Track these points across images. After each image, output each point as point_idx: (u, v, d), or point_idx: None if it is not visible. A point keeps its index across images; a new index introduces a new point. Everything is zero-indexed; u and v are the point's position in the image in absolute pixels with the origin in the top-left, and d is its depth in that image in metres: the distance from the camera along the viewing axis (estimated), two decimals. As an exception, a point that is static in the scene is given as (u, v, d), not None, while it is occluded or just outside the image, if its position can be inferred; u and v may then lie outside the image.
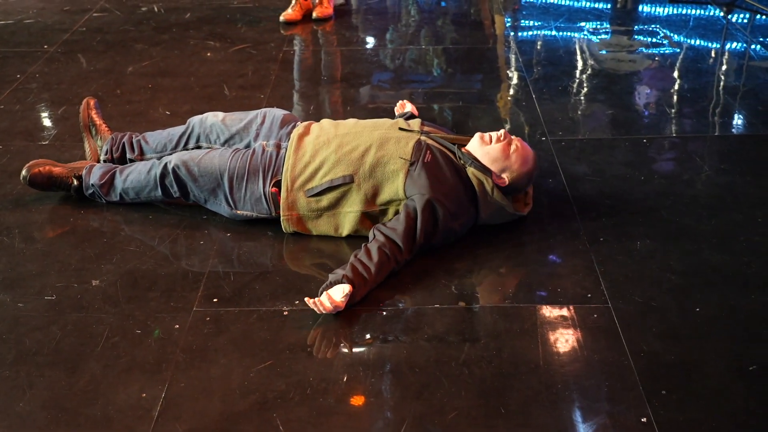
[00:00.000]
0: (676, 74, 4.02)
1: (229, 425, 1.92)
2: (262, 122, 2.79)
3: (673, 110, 3.60)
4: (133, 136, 2.97)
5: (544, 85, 3.83)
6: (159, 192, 2.71)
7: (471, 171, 2.55)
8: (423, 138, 2.58)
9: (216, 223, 2.71)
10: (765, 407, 1.96)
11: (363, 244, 2.42)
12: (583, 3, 5.10)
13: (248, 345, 2.17)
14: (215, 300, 2.35)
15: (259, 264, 2.53)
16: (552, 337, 2.19)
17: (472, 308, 2.31)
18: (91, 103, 3.03)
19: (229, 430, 1.91)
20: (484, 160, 2.59)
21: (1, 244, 2.63)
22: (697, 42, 4.44)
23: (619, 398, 1.98)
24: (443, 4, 5.28)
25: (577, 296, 2.35)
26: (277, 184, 2.59)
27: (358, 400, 2.00)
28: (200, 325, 2.25)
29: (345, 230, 2.58)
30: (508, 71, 4.11)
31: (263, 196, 2.60)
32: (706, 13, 4.88)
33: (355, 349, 2.16)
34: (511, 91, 3.86)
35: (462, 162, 2.57)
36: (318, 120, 2.79)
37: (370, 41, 4.59)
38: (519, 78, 3.99)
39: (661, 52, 4.30)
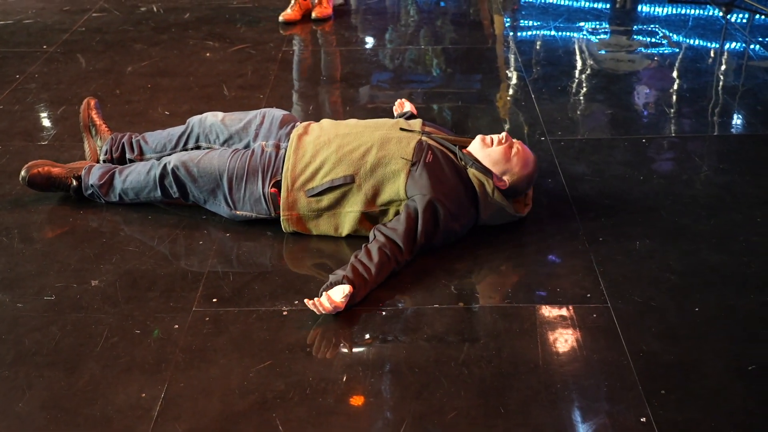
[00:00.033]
0: (675, 74, 4.02)
1: (228, 425, 1.92)
2: (261, 122, 2.79)
3: (672, 110, 3.60)
4: (133, 136, 2.97)
5: (544, 85, 3.83)
6: (158, 192, 2.71)
7: (472, 172, 2.55)
8: (424, 138, 2.59)
9: (215, 223, 2.71)
10: (764, 407, 1.96)
11: (363, 245, 2.42)
12: (582, 3, 5.10)
13: (248, 345, 2.17)
14: (214, 300, 2.36)
15: (258, 264, 2.53)
16: (551, 337, 2.19)
17: (471, 308, 2.31)
18: (92, 103, 3.04)
19: (229, 430, 1.91)
20: (485, 163, 2.59)
21: (0, 244, 2.63)
22: (696, 42, 4.44)
23: (618, 398, 1.98)
24: (442, 4, 5.28)
25: (576, 296, 2.35)
26: (276, 185, 2.59)
27: (357, 400, 2.00)
28: (199, 325, 2.25)
29: (345, 230, 2.58)
30: (507, 71, 4.12)
31: (262, 197, 2.60)
32: (706, 13, 4.89)
33: (354, 349, 2.17)
34: (511, 91, 3.86)
35: (463, 163, 2.57)
36: (317, 120, 2.79)
37: (370, 41, 4.59)
38: (518, 78, 3.99)
39: (661, 52, 4.30)
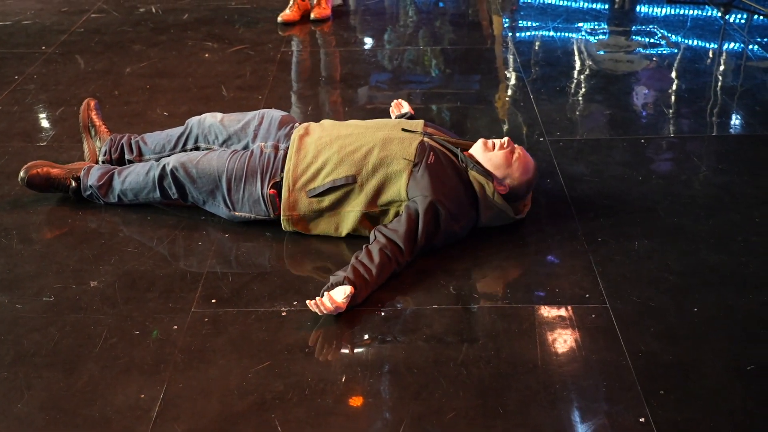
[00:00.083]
0: (673, 74, 4.02)
1: (227, 426, 1.92)
2: (260, 123, 2.79)
3: (670, 110, 3.60)
4: (132, 137, 2.97)
5: (542, 86, 3.83)
6: (157, 193, 2.71)
7: (473, 174, 2.55)
8: (426, 139, 2.59)
9: (214, 223, 2.71)
10: (763, 407, 1.96)
11: (364, 246, 2.42)
12: (581, 3, 5.10)
13: (246, 346, 2.17)
14: (213, 301, 2.36)
15: (257, 265, 2.53)
16: (550, 338, 2.19)
17: (470, 308, 2.31)
18: (92, 104, 3.04)
19: (228, 430, 1.91)
20: (487, 166, 2.59)
21: (-1, 245, 2.64)
22: (695, 42, 4.45)
23: (617, 398, 1.98)
24: (441, 4, 5.28)
25: (575, 296, 2.35)
26: (275, 186, 2.59)
27: (356, 401, 2.00)
28: (198, 326, 2.25)
29: (345, 230, 2.58)
30: (506, 72, 4.12)
31: (261, 198, 2.60)
32: (704, 14, 4.89)
33: (353, 350, 2.16)
34: (509, 92, 3.86)
35: (464, 165, 2.57)
36: (317, 121, 2.79)
37: (368, 42, 4.59)
38: (517, 78, 3.99)
39: (659, 52, 4.30)
